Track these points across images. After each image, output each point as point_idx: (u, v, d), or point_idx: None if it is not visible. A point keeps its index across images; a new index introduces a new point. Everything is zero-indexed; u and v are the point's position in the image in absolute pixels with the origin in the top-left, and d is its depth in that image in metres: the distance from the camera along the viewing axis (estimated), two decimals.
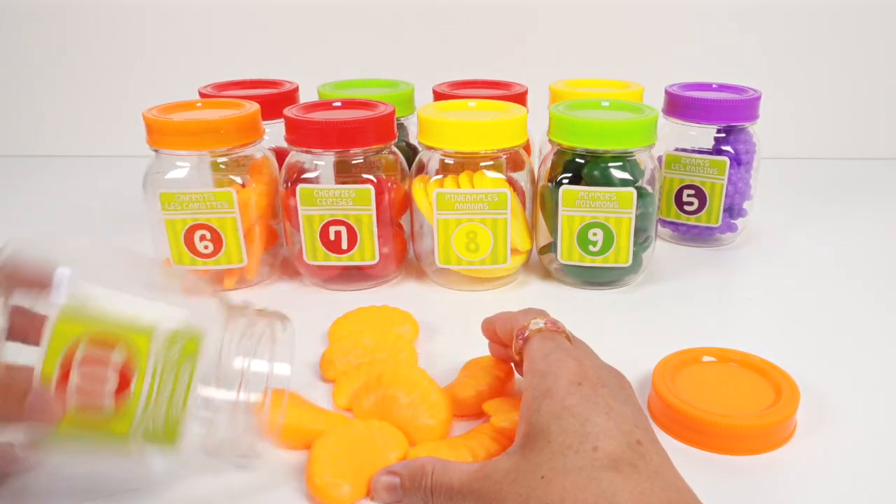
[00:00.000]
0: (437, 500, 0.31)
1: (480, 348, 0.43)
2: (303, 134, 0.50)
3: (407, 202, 0.55)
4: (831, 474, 0.35)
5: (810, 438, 0.37)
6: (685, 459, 0.32)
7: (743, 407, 0.37)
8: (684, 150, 0.60)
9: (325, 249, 0.52)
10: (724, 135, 0.59)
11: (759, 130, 0.61)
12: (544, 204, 0.54)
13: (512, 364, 0.41)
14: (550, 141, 0.53)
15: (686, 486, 0.28)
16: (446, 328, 0.49)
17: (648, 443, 0.29)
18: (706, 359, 0.42)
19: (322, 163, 0.52)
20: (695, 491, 0.28)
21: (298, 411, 0.37)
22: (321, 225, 0.52)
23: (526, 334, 0.35)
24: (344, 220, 0.51)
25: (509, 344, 0.37)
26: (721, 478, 0.35)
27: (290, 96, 0.61)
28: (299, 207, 0.51)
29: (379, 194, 0.51)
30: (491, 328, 0.40)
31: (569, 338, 0.36)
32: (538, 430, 0.30)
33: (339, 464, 0.33)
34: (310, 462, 0.34)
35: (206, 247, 0.52)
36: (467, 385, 0.39)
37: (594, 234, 0.52)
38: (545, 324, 0.35)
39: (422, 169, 0.53)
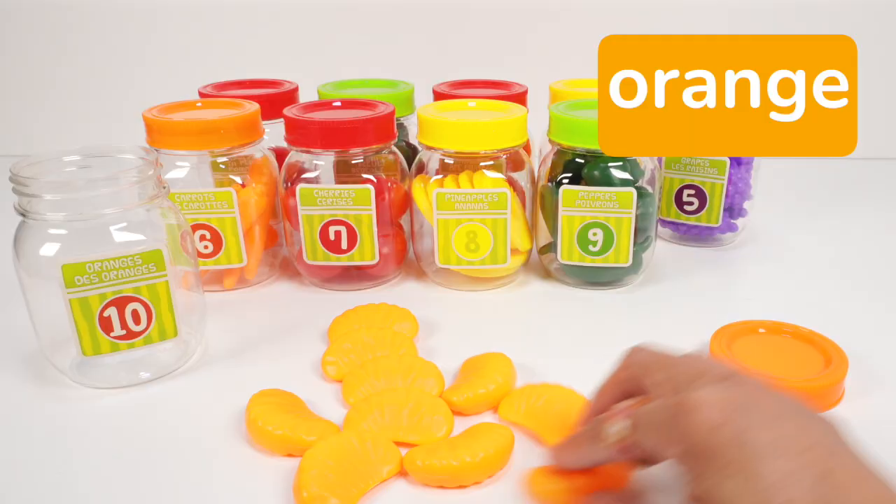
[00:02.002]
0: None
1: (479, 346, 0.44)
2: (303, 134, 0.50)
3: (407, 202, 0.55)
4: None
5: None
6: None
7: (795, 372, 0.41)
8: None
9: (324, 249, 0.52)
10: None
11: None
12: (544, 204, 0.54)
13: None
14: (550, 141, 0.53)
15: None
16: (446, 327, 0.49)
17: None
18: (761, 330, 0.45)
19: (322, 163, 0.52)
20: None
21: (291, 419, 0.37)
22: (321, 225, 0.52)
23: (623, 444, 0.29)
24: (344, 220, 0.51)
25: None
26: None
27: (290, 96, 0.61)
28: (299, 207, 0.51)
29: (379, 194, 0.51)
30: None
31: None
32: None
33: (328, 477, 0.32)
34: (298, 473, 0.33)
35: (205, 247, 0.52)
36: (461, 389, 0.40)
37: (594, 234, 0.52)
38: (622, 427, 0.29)
39: (422, 169, 0.53)
